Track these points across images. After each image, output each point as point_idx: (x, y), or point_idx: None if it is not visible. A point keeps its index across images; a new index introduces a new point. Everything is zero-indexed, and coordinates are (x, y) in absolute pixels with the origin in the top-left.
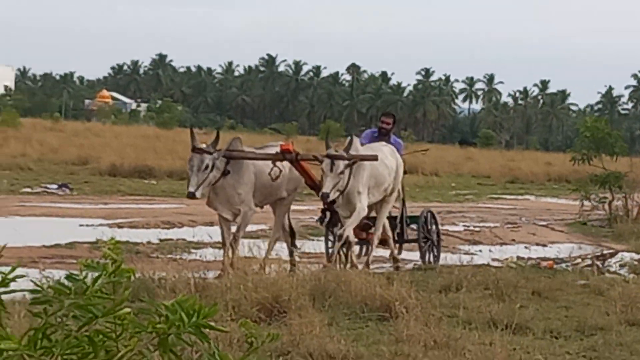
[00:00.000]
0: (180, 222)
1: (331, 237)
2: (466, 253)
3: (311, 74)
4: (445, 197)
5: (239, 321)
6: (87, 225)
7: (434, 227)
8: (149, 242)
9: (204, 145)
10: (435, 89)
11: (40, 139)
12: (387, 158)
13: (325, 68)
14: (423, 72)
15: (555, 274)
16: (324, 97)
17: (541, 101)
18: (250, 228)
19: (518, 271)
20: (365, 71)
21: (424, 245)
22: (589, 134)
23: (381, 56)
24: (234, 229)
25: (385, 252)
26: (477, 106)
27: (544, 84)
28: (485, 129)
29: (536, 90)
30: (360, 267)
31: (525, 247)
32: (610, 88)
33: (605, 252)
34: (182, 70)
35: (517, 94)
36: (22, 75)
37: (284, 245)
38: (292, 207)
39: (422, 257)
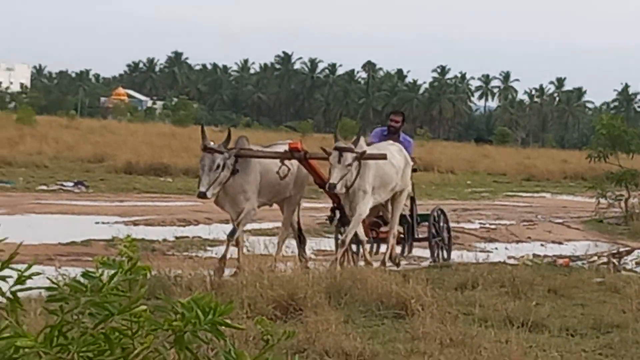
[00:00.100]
0: (196, 220)
1: (340, 237)
2: (482, 251)
3: (327, 71)
4: (461, 194)
5: (254, 319)
6: (103, 223)
7: (444, 225)
8: (164, 240)
9: (213, 144)
10: (451, 86)
11: (56, 137)
12: (394, 157)
13: (340, 66)
14: (439, 70)
15: (571, 271)
16: (339, 95)
17: (557, 99)
18: (266, 225)
19: (534, 269)
20: (381, 69)
21: (436, 243)
22: (605, 131)
23: (397, 54)
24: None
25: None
26: (492, 104)
27: (560, 81)
28: (501, 126)
29: (552, 88)
30: (375, 264)
31: (541, 245)
32: (627, 86)
33: (621, 249)
34: (197, 67)
35: (533, 92)
36: (38, 73)
37: (294, 242)
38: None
39: (432, 255)
